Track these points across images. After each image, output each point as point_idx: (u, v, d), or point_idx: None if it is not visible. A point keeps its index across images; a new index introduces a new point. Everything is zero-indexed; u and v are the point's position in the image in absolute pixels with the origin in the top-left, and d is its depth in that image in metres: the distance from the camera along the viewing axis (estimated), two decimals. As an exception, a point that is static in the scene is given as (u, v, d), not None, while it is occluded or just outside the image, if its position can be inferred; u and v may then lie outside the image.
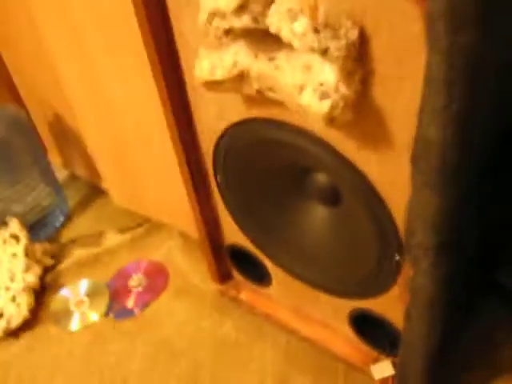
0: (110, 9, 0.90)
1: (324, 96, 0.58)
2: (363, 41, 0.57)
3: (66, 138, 1.35)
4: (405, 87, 0.57)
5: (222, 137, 0.81)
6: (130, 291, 1.16)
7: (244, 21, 0.58)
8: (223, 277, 1.10)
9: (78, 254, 1.27)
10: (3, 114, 1.21)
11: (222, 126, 0.79)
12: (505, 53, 0.59)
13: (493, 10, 0.49)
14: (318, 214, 0.84)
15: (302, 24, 0.54)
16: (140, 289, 1.16)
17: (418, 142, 0.56)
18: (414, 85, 0.55)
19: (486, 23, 0.48)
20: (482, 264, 0.97)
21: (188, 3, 0.70)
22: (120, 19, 0.89)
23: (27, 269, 1.17)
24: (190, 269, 1.18)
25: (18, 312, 1.12)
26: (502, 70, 0.60)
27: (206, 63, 0.66)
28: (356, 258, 0.80)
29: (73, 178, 1.45)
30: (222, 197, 0.92)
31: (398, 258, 0.72)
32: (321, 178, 0.79)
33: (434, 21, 0.47)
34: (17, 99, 1.39)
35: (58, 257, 1.26)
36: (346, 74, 0.58)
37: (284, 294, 1.00)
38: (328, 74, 0.58)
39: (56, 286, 1.20)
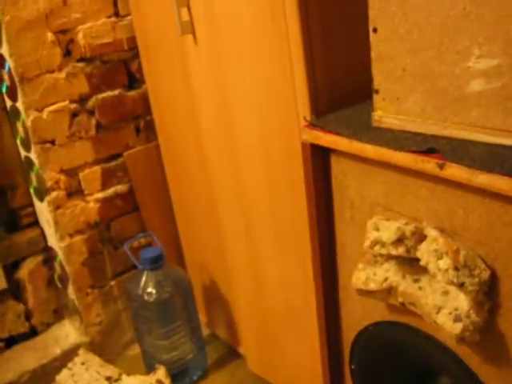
0: (284, 213, 1.10)
1: (457, 319, 0.72)
2: (493, 279, 0.72)
3: (216, 301, 1.54)
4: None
5: (361, 332, 0.96)
6: None
7: (399, 251, 0.76)
8: None
9: (209, 408, 1.41)
10: (172, 273, 1.43)
11: (364, 323, 0.95)
12: None
13: None
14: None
15: (445, 262, 0.71)
16: None
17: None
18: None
19: None
20: None
21: (352, 222, 0.90)
22: (291, 222, 1.09)
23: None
24: None
25: None
26: None
27: (363, 275, 0.84)
28: None
29: (213, 336, 1.62)
30: (353, 383, 1.04)
31: None
32: (444, 381, 0.90)
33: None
34: (179, 261, 1.63)
35: (191, 408, 1.41)
36: (477, 304, 0.72)
37: None
38: (462, 301, 0.73)
39: None
